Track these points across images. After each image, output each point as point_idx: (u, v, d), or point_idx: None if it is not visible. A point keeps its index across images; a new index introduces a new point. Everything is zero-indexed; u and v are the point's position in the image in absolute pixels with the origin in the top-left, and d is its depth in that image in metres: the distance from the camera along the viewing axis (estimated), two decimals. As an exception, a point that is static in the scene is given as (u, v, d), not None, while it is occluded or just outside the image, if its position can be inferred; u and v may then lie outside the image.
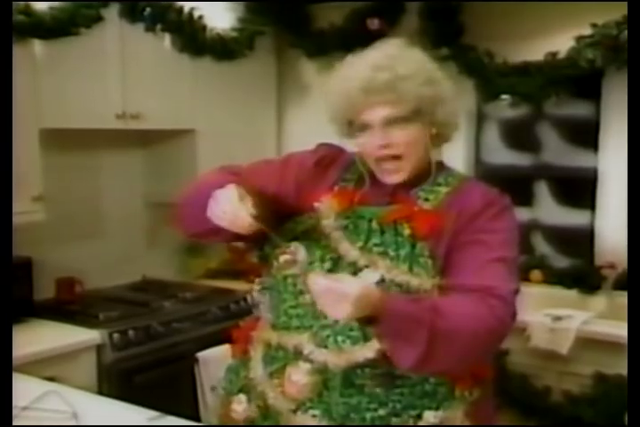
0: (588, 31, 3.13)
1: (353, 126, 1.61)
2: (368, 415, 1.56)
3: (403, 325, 1.38)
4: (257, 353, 1.71)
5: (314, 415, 1.59)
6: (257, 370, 1.70)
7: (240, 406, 1.73)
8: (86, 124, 3.05)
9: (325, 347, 1.56)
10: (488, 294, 1.44)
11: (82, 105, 3.00)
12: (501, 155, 3.77)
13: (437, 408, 1.57)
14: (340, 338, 1.54)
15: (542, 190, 3.69)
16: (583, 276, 3.38)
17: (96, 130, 3.20)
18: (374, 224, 1.58)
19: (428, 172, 1.63)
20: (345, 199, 1.63)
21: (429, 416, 1.56)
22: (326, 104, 1.65)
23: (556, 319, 3.00)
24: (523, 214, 3.69)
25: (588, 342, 2.91)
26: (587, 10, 3.16)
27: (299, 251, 1.57)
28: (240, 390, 1.75)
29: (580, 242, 3.53)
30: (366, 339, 1.51)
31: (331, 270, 1.55)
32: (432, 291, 1.52)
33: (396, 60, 1.56)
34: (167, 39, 3.38)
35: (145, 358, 2.91)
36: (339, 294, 1.34)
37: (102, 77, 3.09)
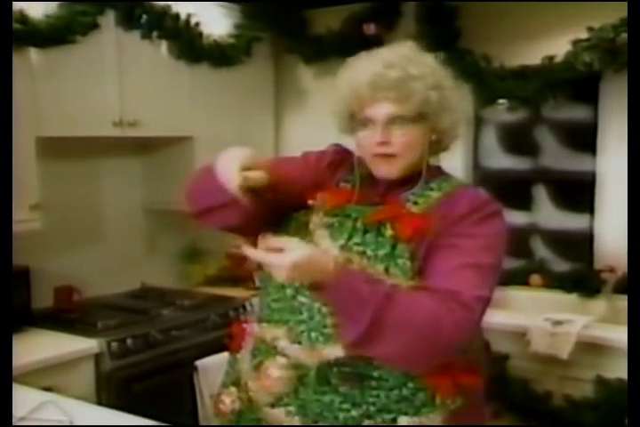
0: (584, 35, 3.13)
1: (355, 120, 1.62)
2: (341, 415, 1.54)
3: (349, 300, 1.39)
4: (247, 346, 1.72)
5: (289, 412, 1.59)
6: (245, 362, 1.71)
7: (228, 399, 1.74)
8: (83, 132, 3.05)
9: (299, 343, 1.56)
10: (450, 298, 1.42)
11: (79, 113, 3.00)
12: (500, 159, 3.76)
13: (415, 414, 1.54)
14: (313, 335, 1.54)
15: (541, 194, 3.68)
16: (583, 280, 3.38)
17: (93, 138, 3.20)
18: (359, 224, 1.58)
19: (418, 175, 1.64)
20: (337, 198, 1.64)
21: (404, 421, 1.54)
22: (333, 96, 1.66)
23: (556, 324, 2.98)
24: (521, 218, 3.69)
25: (588, 347, 2.90)
26: (583, 13, 3.17)
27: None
28: (232, 383, 1.75)
29: (579, 246, 3.52)
30: (338, 337, 1.49)
31: None
32: None
33: (408, 60, 1.57)
34: (164, 46, 3.38)
35: (144, 367, 2.90)
36: (275, 260, 1.37)
37: (99, 85, 3.09)
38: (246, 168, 1.44)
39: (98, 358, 2.80)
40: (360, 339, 1.39)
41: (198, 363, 2.52)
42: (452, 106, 1.60)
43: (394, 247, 1.53)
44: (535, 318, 3.07)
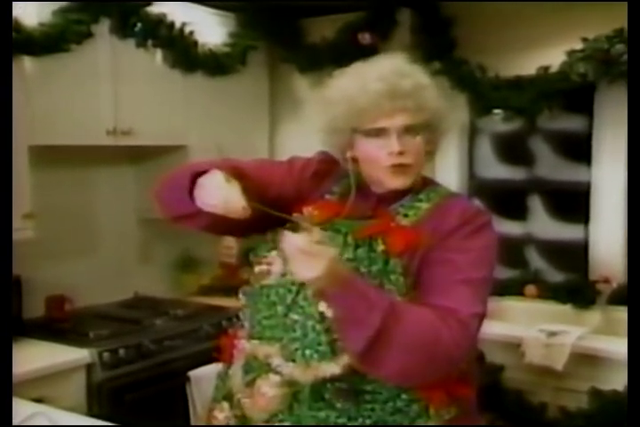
0: (579, 45, 3.15)
1: (358, 133, 1.59)
2: None
3: (358, 304, 1.39)
4: (238, 361, 1.70)
5: None
6: (237, 378, 1.69)
7: (221, 414, 1.73)
8: (77, 141, 3.03)
9: (293, 360, 1.55)
10: (449, 316, 1.44)
11: (72, 121, 2.98)
12: (494, 169, 3.77)
13: (410, 425, 1.55)
14: (307, 352, 1.53)
15: (536, 204, 3.69)
16: (578, 290, 3.38)
17: (87, 146, 3.18)
18: (349, 239, 1.57)
19: (413, 187, 1.65)
20: (325, 212, 1.63)
21: None
22: (328, 110, 1.62)
23: (550, 335, 2.98)
24: (516, 228, 3.70)
25: (583, 358, 2.89)
26: (578, 24, 3.18)
27: (276, 262, 1.60)
28: (224, 398, 1.74)
29: (574, 256, 3.53)
30: (334, 354, 1.50)
31: (303, 284, 1.53)
32: None
33: (413, 69, 1.58)
34: (159, 55, 3.37)
35: (136, 377, 2.88)
36: (314, 252, 1.34)
37: (93, 93, 3.08)
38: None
39: (89, 368, 2.78)
40: (368, 345, 1.38)
41: (191, 373, 2.49)
42: (448, 117, 1.62)
43: (386, 263, 1.53)
44: (530, 328, 3.06)
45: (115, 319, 3.22)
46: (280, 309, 1.57)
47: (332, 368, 1.51)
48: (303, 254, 1.35)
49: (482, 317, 1.50)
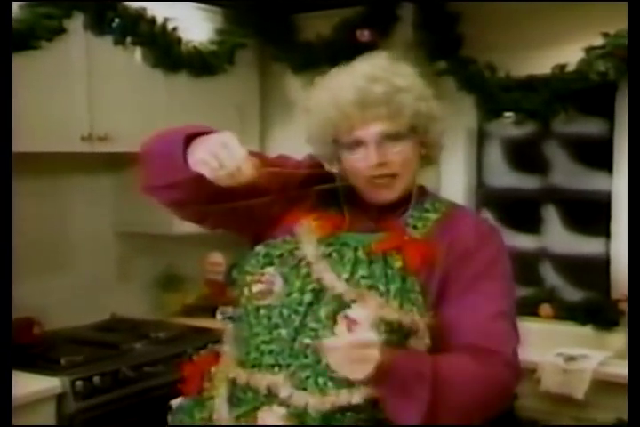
0: (599, 41, 3.14)
1: (339, 145, 1.61)
2: None
3: (403, 380, 1.42)
4: (220, 392, 1.66)
5: None
6: (221, 412, 1.64)
7: None
8: (48, 148, 3.01)
9: (305, 389, 1.52)
10: (492, 358, 1.51)
11: (43, 126, 2.96)
12: (505, 177, 3.78)
13: None
14: (321, 380, 1.52)
15: (551, 216, 3.69)
16: (598, 310, 3.37)
17: (59, 153, 3.17)
18: (360, 253, 1.58)
19: (410, 196, 1.67)
20: (327, 224, 1.64)
21: None
22: (309, 121, 1.65)
23: (569, 360, 2.98)
24: (530, 242, 3.74)
25: (606, 386, 2.88)
26: (597, 18, 3.17)
27: (276, 280, 1.59)
28: None
29: (594, 273, 3.53)
30: (350, 381, 1.48)
31: (311, 304, 1.55)
32: (424, 330, 1.53)
33: (390, 71, 1.58)
34: (138, 53, 3.36)
35: (112, 408, 2.87)
36: (360, 357, 1.37)
37: (66, 96, 3.06)
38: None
39: (61, 398, 2.76)
40: (422, 418, 1.42)
41: (174, 403, 2.48)
42: (438, 117, 1.63)
43: (404, 280, 1.55)
44: (546, 352, 3.06)
45: (89, 344, 3.19)
46: (285, 332, 1.55)
47: (351, 397, 1.50)
48: (348, 360, 1.38)
49: (519, 348, 1.59)
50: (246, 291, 1.61)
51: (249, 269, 1.63)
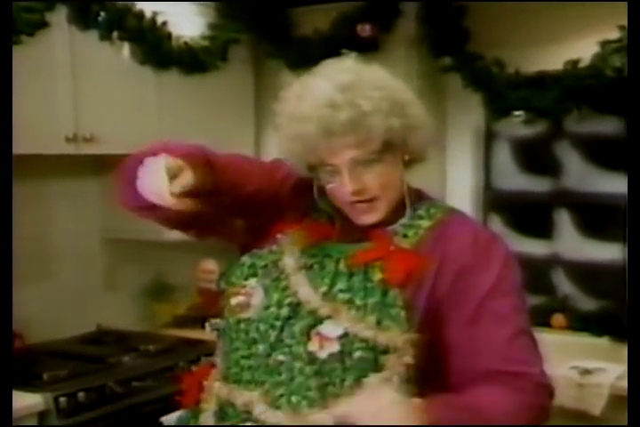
0: (614, 35, 3.13)
1: (316, 170, 1.58)
2: None
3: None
4: (209, 406, 1.66)
5: None
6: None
7: None
8: (31, 150, 2.96)
9: (278, 408, 1.52)
10: (521, 380, 1.49)
11: (25, 126, 2.90)
12: (515, 180, 3.78)
13: None
14: (294, 398, 1.51)
15: (563, 220, 3.68)
16: (614, 320, 3.35)
17: (43, 156, 3.14)
18: (342, 266, 1.57)
19: (403, 203, 1.63)
20: (312, 233, 1.63)
21: None
22: (280, 145, 1.62)
23: (584, 373, 2.99)
24: (541, 248, 3.70)
25: (624, 401, 2.77)
26: (613, 10, 3.11)
27: (255, 293, 1.58)
28: None
29: (609, 280, 3.52)
30: (325, 400, 1.48)
31: (289, 318, 1.54)
32: (404, 348, 1.49)
33: (354, 90, 1.49)
34: (126, 49, 3.36)
35: (99, 425, 2.87)
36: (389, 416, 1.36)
37: (49, 94, 3.06)
38: (174, 175, 1.41)
39: (43, 416, 2.76)
40: None
41: (165, 419, 2.48)
42: (418, 122, 1.58)
43: (385, 294, 1.52)
44: (559, 366, 3.02)
45: (74, 357, 3.18)
46: (262, 347, 1.55)
47: (323, 418, 1.47)
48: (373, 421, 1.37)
49: (544, 361, 1.58)
50: (227, 303, 1.61)
51: (233, 280, 1.63)
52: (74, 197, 3.60)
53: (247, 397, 1.55)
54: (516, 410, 1.47)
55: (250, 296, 1.57)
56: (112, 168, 3.69)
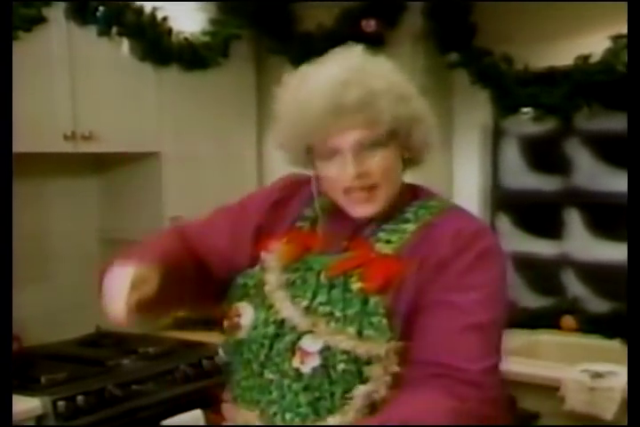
0: (626, 29, 3.05)
1: (314, 153, 1.57)
2: None
3: None
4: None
5: None
6: None
7: None
8: (28, 148, 2.96)
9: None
10: (456, 381, 1.42)
11: (23, 124, 2.88)
12: (523, 178, 3.78)
13: None
14: (288, 416, 1.53)
15: (573, 220, 3.68)
16: (626, 322, 3.28)
17: (40, 154, 3.16)
18: (322, 278, 1.56)
19: (397, 204, 1.62)
20: (294, 246, 1.63)
21: None
22: (278, 128, 1.63)
23: (595, 376, 2.94)
24: (550, 249, 3.70)
25: (637, 405, 2.81)
26: (624, 4, 3.07)
27: (245, 313, 1.60)
28: None
29: (620, 281, 3.38)
30: (318, 415, 1.50)
31: (277, 335, 1.54)
32: (388, 357, 1.48)
33: (365, 73, 1.51)
34: (125, 45, 3.36)
35: None
36: None
37: (47, 91, 3.06)
38: (138, 284, 1.42)
39: (41, 420, 2.75)
40: None
41: (165, 423, 2.63)
42: (422, 116, 1.58)
43: (365, 303, 1.50)
44: (570, 369, 3.02)
45: (72, 360, 3.18)
46: (255, 367, 1.57)
47: None
48: None
49: (496, 368, 1.49)
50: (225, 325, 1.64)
51: (229, 301, 1.64)
52: (72, 196, 3.62)
53: (248, 417, 1.58)
54: (447, 419, 1.40)
55: (238, 317, 1.58)
56: (111, 167, 3.75)
